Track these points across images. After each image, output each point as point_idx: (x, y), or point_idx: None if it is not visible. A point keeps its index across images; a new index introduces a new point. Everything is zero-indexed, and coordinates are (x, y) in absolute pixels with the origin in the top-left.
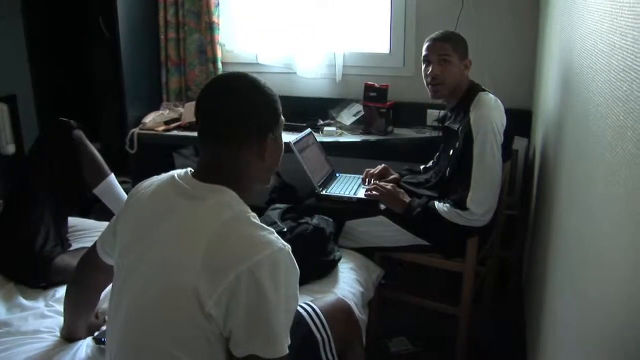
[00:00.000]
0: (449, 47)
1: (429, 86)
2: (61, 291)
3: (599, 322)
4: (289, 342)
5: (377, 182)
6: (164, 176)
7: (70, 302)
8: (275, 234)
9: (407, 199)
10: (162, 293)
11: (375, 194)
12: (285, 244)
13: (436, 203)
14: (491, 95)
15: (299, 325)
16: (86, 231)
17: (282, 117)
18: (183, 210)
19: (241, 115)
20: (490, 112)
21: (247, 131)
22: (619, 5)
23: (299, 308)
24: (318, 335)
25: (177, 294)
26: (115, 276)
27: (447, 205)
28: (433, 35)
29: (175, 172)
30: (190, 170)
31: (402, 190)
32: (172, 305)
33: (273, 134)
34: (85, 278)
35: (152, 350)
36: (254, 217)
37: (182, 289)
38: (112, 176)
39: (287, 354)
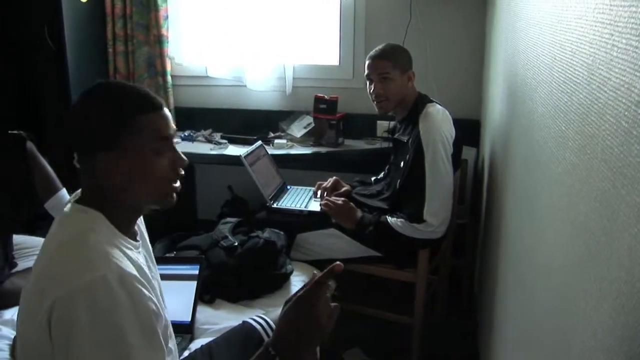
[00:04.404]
0: (388, 64)
1: (374, 102)
2: (8, 313)
3: (545, 328)
4: None
5: (328, 198)
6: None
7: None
8: (112, 258)
9: (359, 214)
10: (20, 319)
11: (326, 210)
12: (117, 269)
13: (389, 218)
14: (439, 107)
15: (253, 337)
16: (33, 249)
17: (153, 127)
18: (50, 233)
19: (82, 119)
20: (439, 124)
21: (91, 143)
22: (558, 19)
23: (251, 321)
24: None
25: (21, 320)
26: None
27: (402, 220)
28: (373, 52)
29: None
30: None
31: (352, 206)
32: (22, 334)
33: (134, 144)
34: None
35: None
36: (96, 237)
37: (22, 315)
38: (64, 190)
39: None
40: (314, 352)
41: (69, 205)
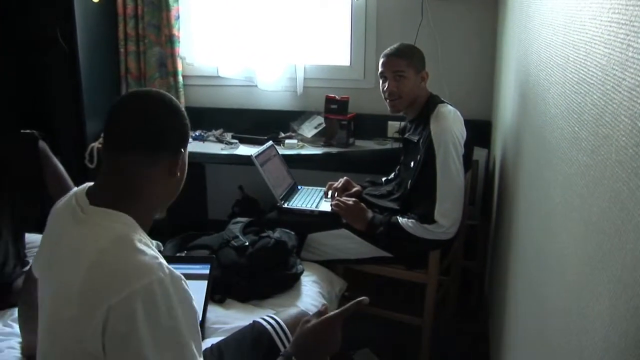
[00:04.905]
0: (403, 62)
1: (387, 101)
2: None
3: (557, 329)
4: None
5: (339, 198)
6: (70, 193)
7: (23, 320)
8: (160, 260)
9: (369, 215)
10: (51, 326)
11: (337, 210)
12: (169, 272)
13: (399, 219)
14: (450, 107)
15: (263, 337)
16: None
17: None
18: (70, 236)
19: (157, 121)
20: (451, 124)
21: (164, 144)
22: (571, 19)
23: (261, 321)
24: (282, 347)
25: (61, 328)
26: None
27: (412, 220)
28: (388, 50)
29: (78, 189)
30: (90, 186)
31: (363, 206)
32: (60, 341)
33: (184, 151)
34: (31, 294)
35: None
36: (139, 241)
37: (62, 323)
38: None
39: None
40: None
41: (83, 203)
